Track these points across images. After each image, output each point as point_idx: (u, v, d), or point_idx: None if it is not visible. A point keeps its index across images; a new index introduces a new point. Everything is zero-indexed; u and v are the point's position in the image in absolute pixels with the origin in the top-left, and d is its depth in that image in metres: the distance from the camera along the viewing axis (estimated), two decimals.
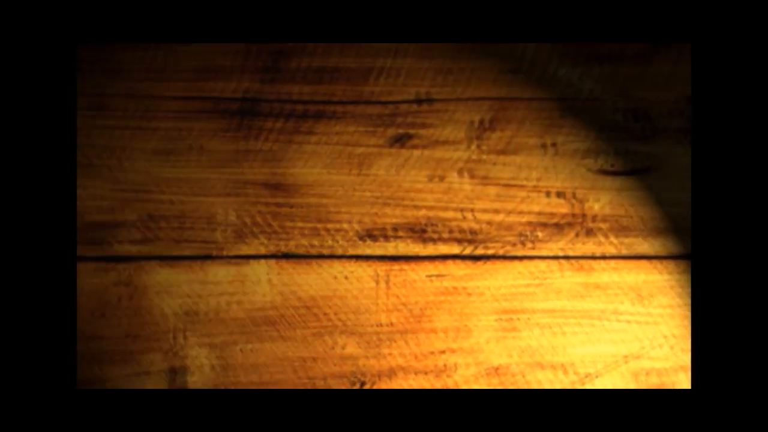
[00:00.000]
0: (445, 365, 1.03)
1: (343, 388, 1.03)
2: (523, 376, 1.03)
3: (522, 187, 1.03)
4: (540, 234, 1.03)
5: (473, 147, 1.03)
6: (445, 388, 1.03)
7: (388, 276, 1.03)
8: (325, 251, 1.03)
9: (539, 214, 1.03)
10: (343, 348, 1.03)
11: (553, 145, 1.03)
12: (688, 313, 1.02)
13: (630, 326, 1.02)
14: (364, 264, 1.03)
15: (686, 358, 1.02)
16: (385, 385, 1.03)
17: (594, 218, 1.03)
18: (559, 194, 1.03)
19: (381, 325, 1.03)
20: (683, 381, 1.02)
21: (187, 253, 1.03)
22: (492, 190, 1.03)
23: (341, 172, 1.03)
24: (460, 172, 1.03)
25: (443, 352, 1.03)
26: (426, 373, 1.03)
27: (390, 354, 1.03)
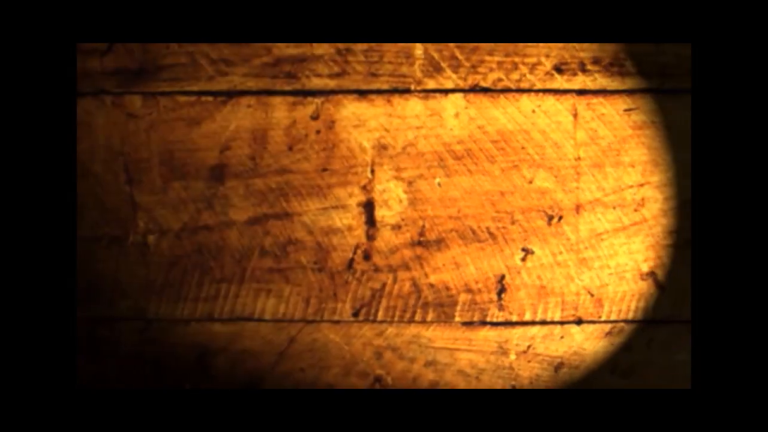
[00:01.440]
0: (642, 198, 1.03)
1: (535, 222, 1.03)
2: None
3: None
4: None
5: None
6: (636, 223, 1.02)
7: (582, 110, 1.03)
8: (519, 85, 1.03)
9: None
10: (537, 182, 1.03)
11: None
12: None
13: None
14: (558, 98, 1.03)
15: None
16: (574, 219, 1.03)
17: None
18: None
19: (575, 159, 1.03)
20: None
21: (380, 87, 1.03)
22: None
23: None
24: None
25: (637, 186, 1.03)
26: (622, 206, 1.03)
27: (583, 188, 1.03)
